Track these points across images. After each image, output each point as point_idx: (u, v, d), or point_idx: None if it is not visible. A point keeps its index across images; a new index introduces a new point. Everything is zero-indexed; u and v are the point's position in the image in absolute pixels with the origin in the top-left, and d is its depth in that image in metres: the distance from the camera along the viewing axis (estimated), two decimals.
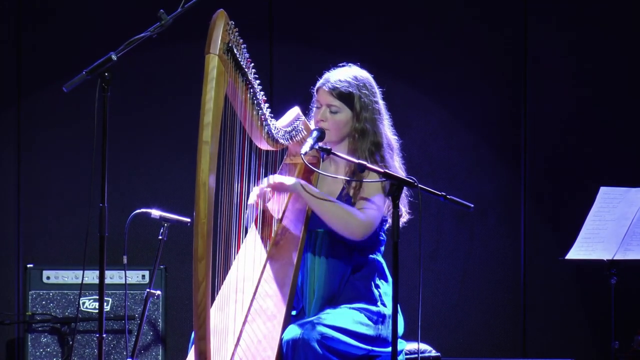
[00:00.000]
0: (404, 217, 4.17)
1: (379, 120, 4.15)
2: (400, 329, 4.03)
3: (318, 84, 4.17)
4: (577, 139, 6.34)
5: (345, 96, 4.10)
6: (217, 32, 3.62)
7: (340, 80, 4.11)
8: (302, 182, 4.03)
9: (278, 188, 4.06)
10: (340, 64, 4.21)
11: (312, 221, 4.07)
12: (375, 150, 4.10)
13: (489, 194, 6.33)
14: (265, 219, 4.16)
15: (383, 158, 4.09)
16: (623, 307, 5.26)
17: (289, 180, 4.05)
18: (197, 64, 3.69)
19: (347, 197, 4.10)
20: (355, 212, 4.02)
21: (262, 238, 4.11)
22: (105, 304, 4.37)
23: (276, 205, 4.15)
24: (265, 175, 4.12)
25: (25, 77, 6.23)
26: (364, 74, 4.18)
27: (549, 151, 6.34)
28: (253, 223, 4.13)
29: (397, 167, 4.15)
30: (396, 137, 4.22)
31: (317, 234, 4.11)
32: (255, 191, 4.08)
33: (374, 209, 4.04)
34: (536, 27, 6.34)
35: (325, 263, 4.09)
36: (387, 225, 4.16)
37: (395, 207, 3.73)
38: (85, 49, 6.14)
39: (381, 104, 4.19)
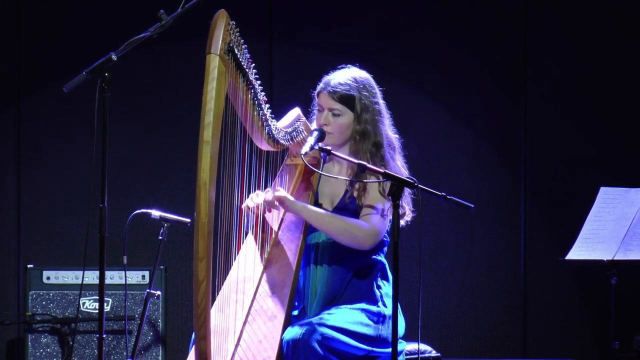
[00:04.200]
0: (408, 216, 4.16)
1: (380, 121, 4.15)
2: (401, 330, 4.03)
3: (318, 88, 4.16)
4: (577, 139, 6.33)
5: (346, 99, 4.10)
6: (218, 32, 3.62)
7: (340, 84, 4.11)
8: (302, 203, 4.02)
9: (281, 203, 4.03)
10: (340, 66, 4.21)
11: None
12: (376, 151, 4.10)
13: (489, 194, 6.33)
14: (266, 220, 4.16)
15: (383, 158, 4.09)
16: (623, 307, 5.26)
17: (290, 201, 4.02)
18: (197, 64, 3.69)
19: (351, 199, 4.09)
20: (360, 222, 4.02)
21: (262, 238, 4.11)
22: (105, 304, 4.38)
23: (276, 210, 4.14)
24: (266, 176, 4.12)
25: (25, 77, 6.23)
26: (363, 75, 4.17)
27: (549, 151, 6.34)
28: (254, 224, 4.13)
29: (399, 165, 4.15)
30: (397, 136, 4.22)
31: (320, 235, 4.10)
32: (253, 199, 4.07)
33: (378, 215, 4.03)
34: (537, 27, 6.34)
35: (328, 263, 4.08)
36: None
37: (396, 207, 3.72)
38: (85, 49, 6.14)
39: (382, 104, 4.19)
